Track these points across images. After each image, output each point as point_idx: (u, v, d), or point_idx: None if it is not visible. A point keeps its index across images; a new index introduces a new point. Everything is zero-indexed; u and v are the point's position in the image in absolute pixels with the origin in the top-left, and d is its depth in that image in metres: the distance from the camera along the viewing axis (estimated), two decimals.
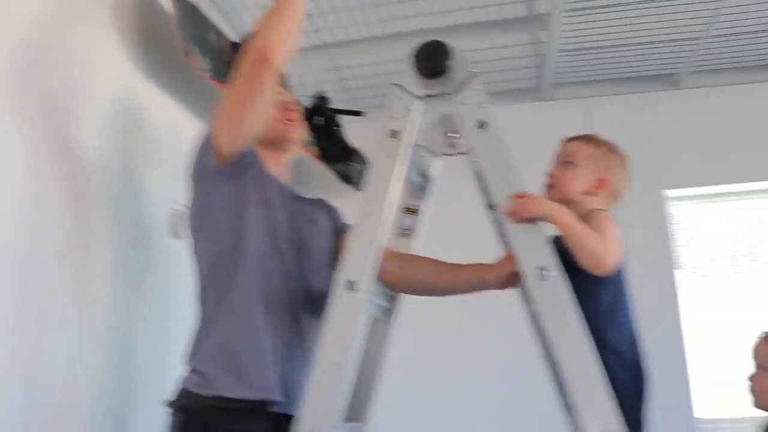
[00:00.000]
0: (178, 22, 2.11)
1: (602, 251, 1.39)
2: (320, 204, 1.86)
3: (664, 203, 3.57)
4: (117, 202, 1.93)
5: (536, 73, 3.51)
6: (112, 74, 1.98)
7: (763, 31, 3.22)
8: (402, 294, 1.79)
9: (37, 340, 1.55)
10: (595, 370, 1.30)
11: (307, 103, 2.75)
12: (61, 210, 1.67)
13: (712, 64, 3.54)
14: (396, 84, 1.51)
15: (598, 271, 1.39)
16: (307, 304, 1.62)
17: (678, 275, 3.57)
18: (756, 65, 3.57)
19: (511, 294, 1.56)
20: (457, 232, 2.73)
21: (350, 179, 3.04)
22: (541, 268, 1.34)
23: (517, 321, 1.66)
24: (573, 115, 3.54)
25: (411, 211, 1.82)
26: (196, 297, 1.62)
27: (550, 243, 1.42)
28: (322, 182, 3.14)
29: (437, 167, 1.77)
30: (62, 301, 1.65)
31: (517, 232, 1.38)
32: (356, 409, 1.71)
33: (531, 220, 1.40)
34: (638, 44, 3.27)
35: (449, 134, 1.80)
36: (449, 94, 1.47)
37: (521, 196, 1.40)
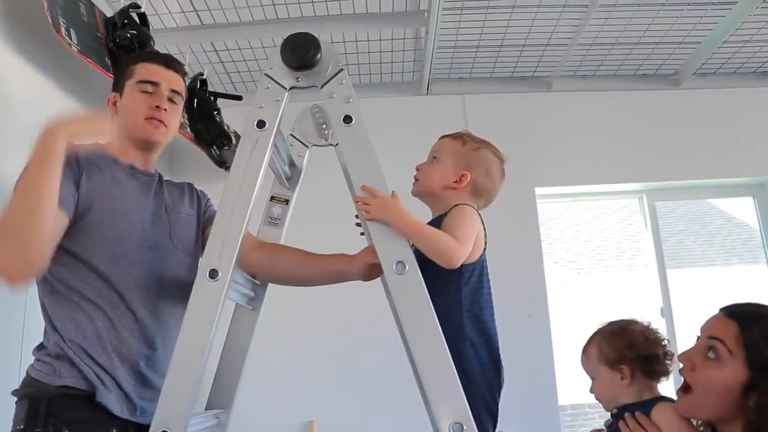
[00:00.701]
0: None
1: (447, 247, 1.43)
2: (185, 191, 1.81)
3: (535, 200, 3.74)
4: None
5: (417, 67, 3.59)
6: None
7: (628, 43, 3.44)
8: (267, 284, 1.80)
9: None
10: (447, 363, 1.33)
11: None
12: None
13: (581, 71, 3.75)
14: (265, 74, 1.50)
15: (446, 265, 1.43)
16: (166, 293, 1.59)
17: (547, 268, 3.73)
18: (622, 74, 3.82)
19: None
20: (330, 222, 2.76)
21: (224, 163, 3.00)
22: (398, 263, 1.37)
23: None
24: (451, 110, 3.65)
25: (279, 200, 1.83)
26: (40, 287, 1.56)
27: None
28: (197, 165, 3.08)
29: (306, 157, 1.79)
30: None
31: (374, 227, 1.41)
32: (221, 396, 1.72)
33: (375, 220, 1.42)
34: (513, 46, 3.42)
35: (323, 125, 1.83)
36: (317, 87, 1.48)
37: (372, 195, 1.42)
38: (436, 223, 1.54)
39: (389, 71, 3.62)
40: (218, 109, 3.03)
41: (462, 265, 1.48)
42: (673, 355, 1.50)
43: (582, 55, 3.54)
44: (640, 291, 4.06)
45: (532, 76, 3.78)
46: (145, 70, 1.68)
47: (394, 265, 1.37)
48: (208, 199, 1.86)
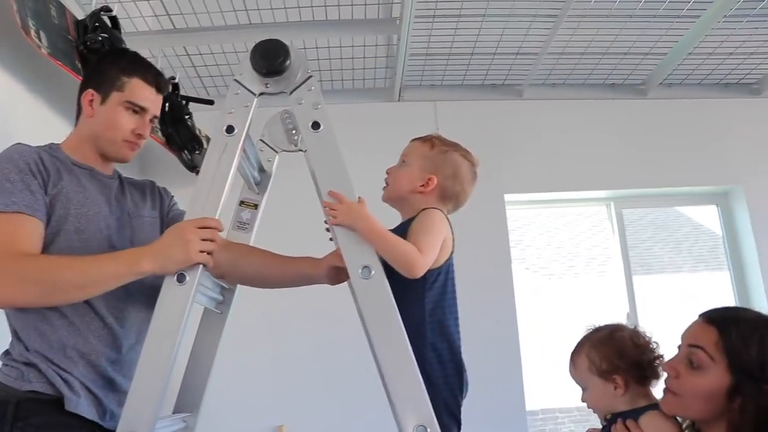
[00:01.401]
0: None
1: (408, 258, 1.43)
2: (147, 191, 1.78)
3: (504, 206, 3.79)
4: None
5: (389, 74, 3.62)
6: None
7: (597, 53, 3.51)
8: (236, 286, 1.81)
9: None
10: (412, 367, 1.35)
11: None
12: None
13: (551, 79, 3.81)
14: (235, 80, 1.52)
15: (407, 275, 1.43)
16: (132, 297, 1.58)
17: (519, 274, 3.78)
18: (591, 83, 3.89)
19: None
20: (299, 226, 2.78)
21: (195, 167, 2.99)
22: (364, 267, 1.39)
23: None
24: (423, 117, 3.69)
25: (248, 205, 1.85)
26: None
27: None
28: (168, 169, 3.07)
29: (275, 162, 1.81)
30: None
31: (341, 231, 1.43)
32: (188, 399, 1.72)
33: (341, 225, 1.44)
34: (484, 54, 3.46)
35: (292, 131, 1.85)
36: (286, 93, 1.50)
37: (339, 200, 1.44)
38: (404, 227, 1.55)
39: (361, 77, 3.65)
40: (190, 114, 3.03)
41: (428, 269, 1.48)
42: (662, 357, 1.47)
43: (552, 64, 3.60)
44: (609, 297, 4.12)
45: (503, 84, 3.84)
46: (138, 90, 1.62)
47: (360, 270, 1.39)
48: (172, 197, 1.84)
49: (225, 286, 1.75)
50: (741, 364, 1.23)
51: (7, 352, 1.51)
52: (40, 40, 2.09)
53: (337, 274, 1.57)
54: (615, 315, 3.91)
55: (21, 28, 1.99)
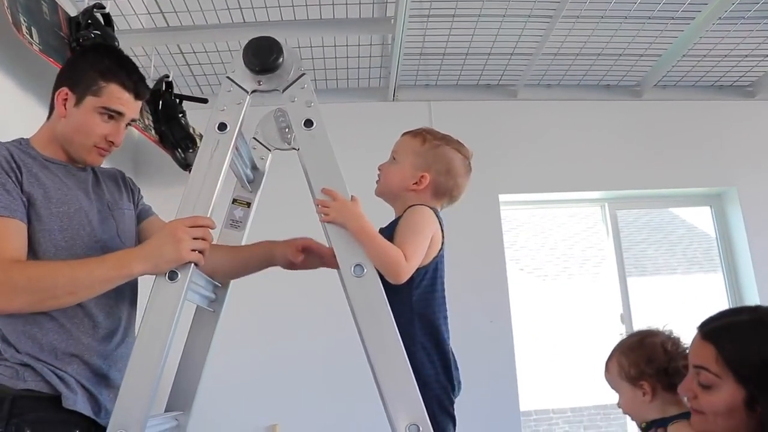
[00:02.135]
0: None
1: (394, 263, 1.41)
2: (120, 183, 1.75)
3: (499, 207, 3.78)
4: None
5: (384, 73, 3.62)
6: None
7: (591, 54, 3.51)
8: (229, 285, 1.80)
9: None
10: (404, 365, 1.35)
11: (151, 86, 2.66)
12: None
13: (546, 80, 3.81)
14: (227, 77, 1.51)
15: (391, 280, 1.42)
16: (122, 294, 1.56)
17: (513, 275, 3.78)
18: (585, 84, 3.90)
19: None
20: (292, 225, 2.78)
21: (189, 166, 2.99)
22: (356, 265, 1.39)
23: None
24: (417, 117, 3.67)
25: (241, 203, 1.84)
26: None
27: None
28: (161, 167, 3.07)
29: (268, 160, 1.80)
30: None
31: (333, 229, 1.43)
32: (180, 398, 1.71)
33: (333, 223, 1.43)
34: (479, 54, 3.46)
35: (286, 129, 1.84)
36: (278, 90, 1.50)
37: (333, 198, 1.43)
38: (393, 225, 1.54)
39: (356, 77, 3.65)
40: (183, 112, 3.02)
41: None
42: None
43: (547, 64, 3.60)
44: (603, 298, 4.13)
45: (497, 85, 3.84)
46: (116, 96, 1.55)
47: (353, 268, 1.39)
48: (139, 190, 1.81)
49: (217, 284, 1.74)
50: (746, 374, 1.19)
51: (3, 347, 1.49)
52: (31, 36, 2.08)
53: (294, 253, 1.63)
54: (608, 316, 3.93)
55: (12, 24, 1.98)
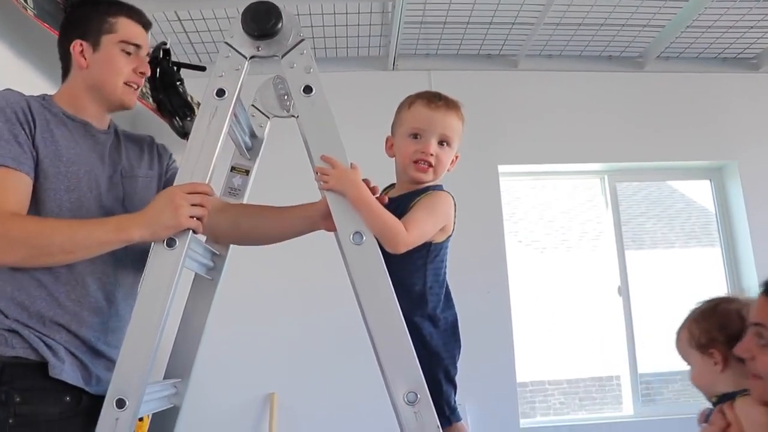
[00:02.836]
0: None
1: (393, 232, 1.39)
2: (145, 149, 1.74)
3: (498, 177, 3.78)
4: None
5: (383, 42, 3.58)
6: None
7: (594, 24, 3.47)
8: (227, 253, 1.79)
9: None
10: (402, 333, 1.34)
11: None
12: None
13: (547, 50, 3.77)
14: (225, 43, 1.49)
15: (389, 249, 1.39)
16: (120, 262, 1.55)
17: (512, 247, 3.79)
18: (587, 55, 3.86)
19: None
20: (290, 193, 2.77)
21: (187, 134, 2.95)
22: (355, 233, 1.38)
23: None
24: (417, 86, 3.58)
25: (240, 170, 1.82)
26: None
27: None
28: (159, 135, 3.04)
29: (267, 128, 1.78)
30: None
31: (332, 197, 1.41)
32: (179, 365, 1.71)
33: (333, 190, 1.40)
34: (480, 23, 3.42)
35: (285, 96, 1.82)
36: (278, 56, 1.47)
37: (332, 165, 1.40)
38: (411, 198, 1.53)
39: (356, 45, 3.61)
40: (181, 80, 2.95)
41: (431, 243, 1.50)
42: None
43: (548, 34, 3.57)
44: (601, 270, 4.13)
45: (498, 55, 3.80)
46: (129, 29, 1.57)
47: (352, 236, 1.38)
48: (171, 155, 1.80)
49: (216, 252, 1.73)
50: None
51: None
52: (26, 1, 2.05)
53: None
54: (606, 289, 3.94)
55: None
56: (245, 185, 1.82)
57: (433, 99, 1.58)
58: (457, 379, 1.55)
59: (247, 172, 1.83)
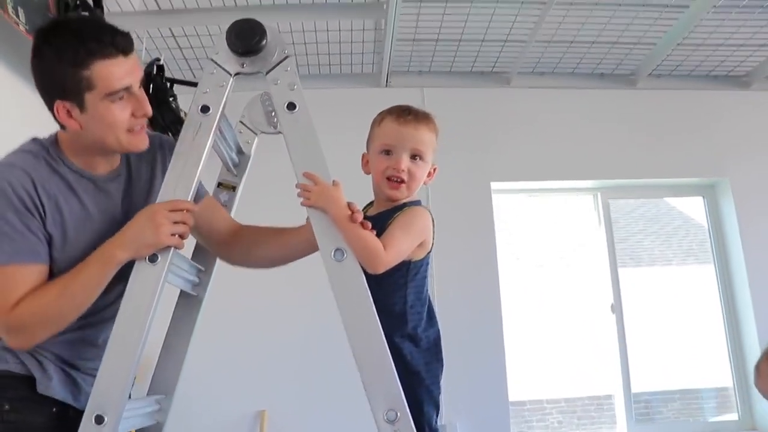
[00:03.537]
0: None
1: (372, 252, 1.37)
2: (155, 160, 1.60)
3: (491, 194, 3.77)
4: None
5: (376, 59, 3.60)
6: None
7: (586, 41, 3.49)
8: (213, 269, 1.79)
9: None
10: (382, 350, 1.33)
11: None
12: None
13: (539, 68, 3.79)
14: (210, 59, 1.49)
15: (368, 269, 1.38)
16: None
17: (508, 264, 3.78)
18: (579, 73, 3.88)
19: None
20: (277, 209, 2.78)
21: None
22: (337, 250, 1.38)
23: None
24: (410, 103, 3.63)
25: (227, 186, 1.82)
26: None
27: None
28: None
29: (254, 144, 1.79)
30: None
31: (314, 213, 1.41)
32: (163, 382, 1.70)
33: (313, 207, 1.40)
34: (472, 41, 3.44)
35: (272, 113, 1.82)
36: (262, 73, 1.48)
37: (314, 182, 1.39)
38: (389, 216, 1.51)
39: (349, 62, 3.63)
40: (174, 96, 3.00)
41: (411, 261, 1.48)
42: None
43: (540, 52, 3.59)
44: (594, 288, 4.13)
45: (491, 72, 3.82)
46: (110, 75, 1.34)
47: (333, 253, 1.38)
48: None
49: (201, 268, 1.73)
50: None
51: None
52: (18, 17, 2.07)
53: None
54: (599, 307, 3.93)
55: None
56: (232, 201, 1.82)
57: (402, 114, 1.56)
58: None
59: (234, 188, 1.82)
